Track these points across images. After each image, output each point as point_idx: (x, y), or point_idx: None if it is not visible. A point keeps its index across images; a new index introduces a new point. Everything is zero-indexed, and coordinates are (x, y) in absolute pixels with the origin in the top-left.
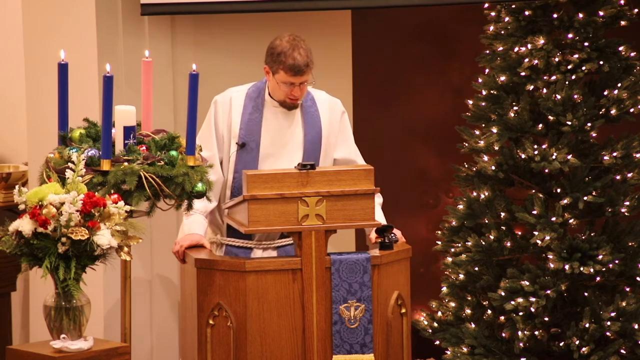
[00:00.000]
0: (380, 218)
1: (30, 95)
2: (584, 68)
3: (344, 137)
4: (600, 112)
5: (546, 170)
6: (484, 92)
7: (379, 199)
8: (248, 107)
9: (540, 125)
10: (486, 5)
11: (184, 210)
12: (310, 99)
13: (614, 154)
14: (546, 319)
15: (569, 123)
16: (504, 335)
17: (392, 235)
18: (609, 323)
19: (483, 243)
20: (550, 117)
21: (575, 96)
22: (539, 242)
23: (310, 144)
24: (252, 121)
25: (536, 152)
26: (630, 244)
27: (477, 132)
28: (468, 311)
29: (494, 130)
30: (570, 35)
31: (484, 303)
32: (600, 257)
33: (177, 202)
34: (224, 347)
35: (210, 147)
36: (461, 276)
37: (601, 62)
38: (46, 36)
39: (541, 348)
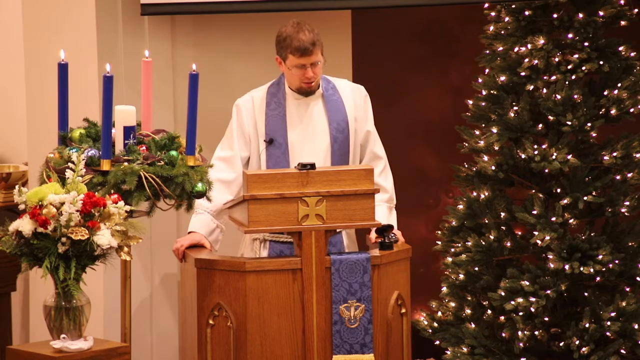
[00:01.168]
0: (385, 218)
1: (30, 95)
2: (584, 68)
3: (366, 119)
4: (600, 112)
5: (546, 170)
6: (484, 92)
7: (385, 195)
8: (270, 103)
9: (540, 125)
10: (486, 5)
11: (194, 210)
12: (332, 87)
13: (614, 154)
14: (546, 319)
15: (569, 123)
16: (504, 335)
17: (392, 235)
18: (609, 323)
19: (483, 243)
20: (550, 117)
21: (575, 96)
22: (539, 242)
23: (337, 131)
24: (275, 116)
25: (536, 152)
26: (630, 244)
27: (477, 132)
28: (468, 311)
29: (494, 130)
30: (570, 35)
31: (484, 303)
32: (600, 257)
33: (177, 202)
34: (224, 347)
35: (232, 147)
36: (461, 276)
37: (601, 62)
38: (46, 36)
39: (541, 348)
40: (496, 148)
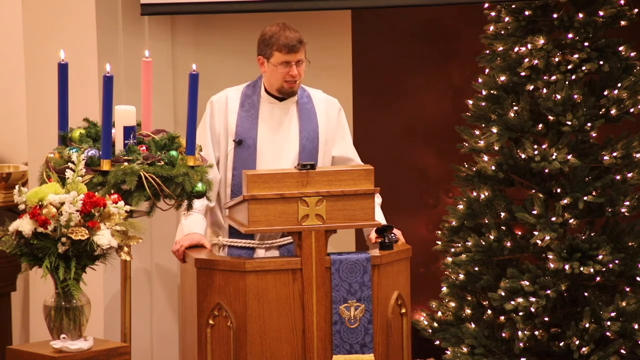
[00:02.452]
0: (379, 218)
1: (30, 95)
2: (584, 68)
3: (342, 134)
4: (600, 112)
5: (546, 170)
6: (484, 92)
7: (377, 199)
8: (244, 104)
9: (540, 125)
10: (486, 5)
11: (183, 211)
12: (307, 96)
13: (614, 154)
14: (546, 319)
15: (569, 123)
16: (504, 335)
17: (392, 235)
18: (609, 323)
19: (483, 243)
20: (550, 117)
21: (575, 96)
22: (539, 242)
23: (307, 140)
24: (248, 118)
25: (536, 152)
26: (630, 244)
27: (477, 132)
28: (468, 311)
29: (494, 130)
30: (570, 35)
31: (484, 303)
32: (600, 257)
33: (177, 202)
34: (224, 347)
35: (205, 146)
36: (461, 276)
37: (601, 62)
38: (46, 36)
39: (541, 348)
40: (496, 148)
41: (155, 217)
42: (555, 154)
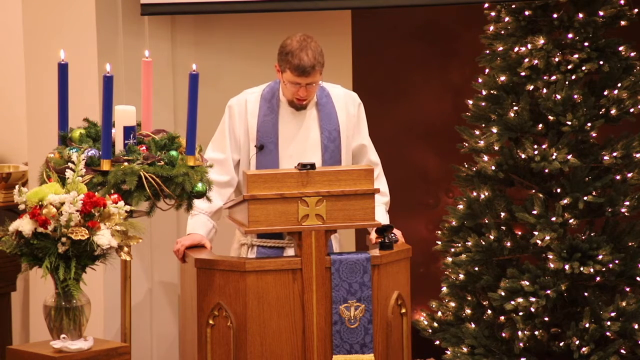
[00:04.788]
0: (382, 218)
1: (30, 95)
2: (584, 68)
3: (359, 127)
4: (600, 112)
5: (546, 170)
6: (484, 92)
7: (384, 198)
8: (263, 108)
9: (540, 125)
10: (486, 5)
11: (190, 211)
12: (326, 95)
13: (614, 154)
14: (546, 319)
15: (569, 123)
16: (504, 335)
17: (392, 235)
18: (609, 323)
19: (483, 243)
20: (550, 117)
21: (575, 96)
22: (539, 242)
23: (329, 140)
24: (268, 122)
25: (536, 152)
26: (630, 244)
27: (477, 132)
28: (468, 311)
29: (494, 130)
30: (570, 35)
31: (484, 303)
32: (600, 257)
33: (177, 202)
34: (224, 347)
35: (224, 149)
36: (461, 276)
37: (601, 62)
38: (46, 36)
39: (541, 348)
40: (496, 148)
41: (155, 217)
42: (555, 154)
